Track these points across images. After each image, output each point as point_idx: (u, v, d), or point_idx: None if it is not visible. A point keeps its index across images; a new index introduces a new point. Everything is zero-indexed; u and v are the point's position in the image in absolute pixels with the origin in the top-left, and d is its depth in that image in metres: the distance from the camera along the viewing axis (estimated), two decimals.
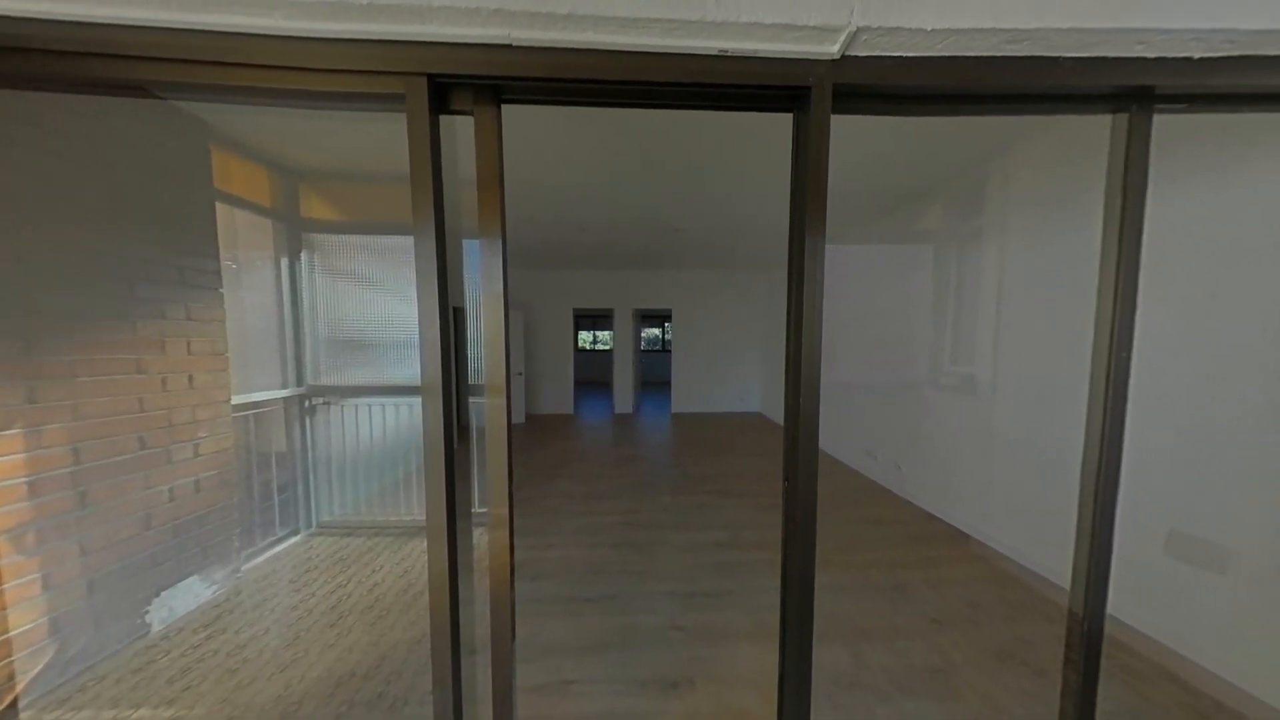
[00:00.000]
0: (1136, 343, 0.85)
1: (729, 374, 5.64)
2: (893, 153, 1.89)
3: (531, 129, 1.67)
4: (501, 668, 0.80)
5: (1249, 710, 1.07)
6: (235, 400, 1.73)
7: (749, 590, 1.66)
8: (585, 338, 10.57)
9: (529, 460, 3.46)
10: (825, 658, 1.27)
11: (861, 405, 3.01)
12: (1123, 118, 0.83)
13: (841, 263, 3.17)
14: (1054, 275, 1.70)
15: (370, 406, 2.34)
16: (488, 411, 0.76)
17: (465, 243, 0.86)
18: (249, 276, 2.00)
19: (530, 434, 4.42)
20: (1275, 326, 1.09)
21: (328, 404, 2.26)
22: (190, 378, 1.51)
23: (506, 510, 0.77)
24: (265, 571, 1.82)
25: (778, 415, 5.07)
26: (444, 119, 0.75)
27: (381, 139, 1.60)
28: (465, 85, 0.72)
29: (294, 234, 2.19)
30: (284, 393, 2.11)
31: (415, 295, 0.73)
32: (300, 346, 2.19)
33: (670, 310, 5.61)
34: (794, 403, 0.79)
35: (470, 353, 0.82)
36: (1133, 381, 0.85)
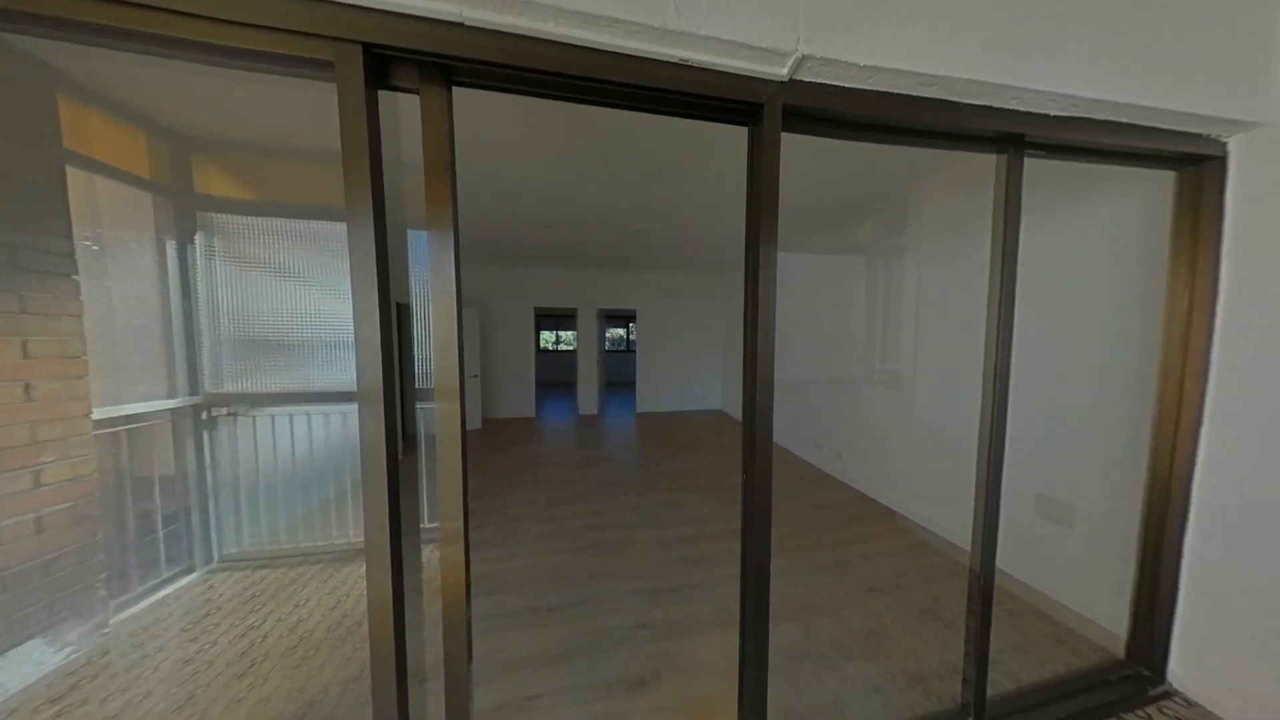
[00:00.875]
0: (1014, 343, 1.03)
1: (691, 373, 5.82)
2: (832, 171, 2.09)
3: (490, 117, 1.57)
4: (456, 693, 0.74)
5: (1088, 631, 1.36)
6: (100, 414, 1.39)
7: (713, 581, 1.73)
8: (547, 338, 10.22)
9: (487, 468, 3.26)
10: (780, 636, 1.37)
11: (810, 401, 3.29)
12: (1004, 158, 1.01)
13: (793, 269, 3.44)
14: (958, 287, 2.02)
15: (293, 417, 2.03)
16: (439, 417, 0.70)
17: (411, 234, 0.79)
18: (120, 261, 1.62)
19: (488, 440, 4.17)
20: (1103, 331, 1.41)
21: (234, 415, 1.91)
22: (26, 387, 1.18)
23: (461, 523, 0.72)
24: (146, 622, 1.49)
25: (737, 412, 5.34)
26: (384, 95, 0.68)
27: (308, 110, 1.40)
28: (409, 60, 0.65)
29: (185, 212, 1.82)
30: (172, 403, 1.75)
31: (350, 290, 0.65)
32: (195, 347, 1.82)
33: (635, 311, 5.64)
34: (750, 400, 0.84)
35: (418, 354, 0.75)
36: (1011, 375, 1.04)
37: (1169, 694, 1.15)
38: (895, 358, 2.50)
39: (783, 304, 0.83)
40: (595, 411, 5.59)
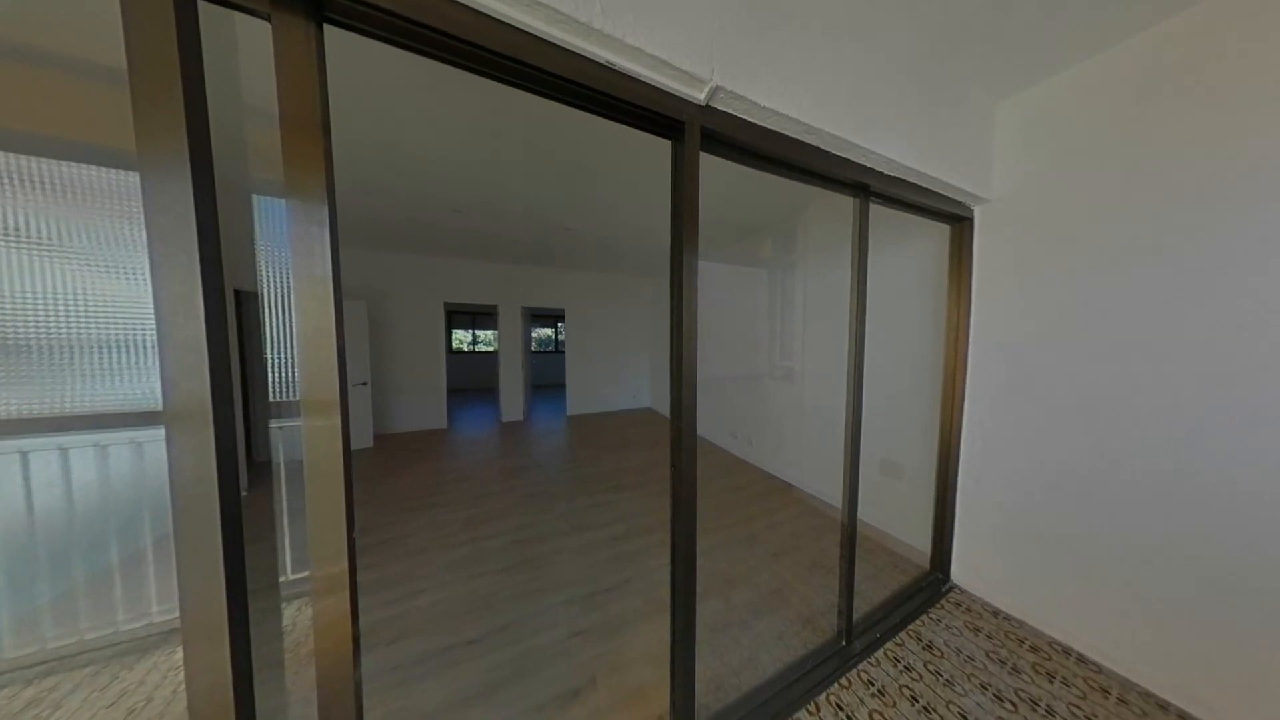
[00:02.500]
0: (866, 344, 1.34)
1: (622, 373, 5.91)
2: (741, 193, 2.39)
3: (392, 80, 1.32)
4: None
5: (912, 555, 1.86)
6: None
7: (645, 573, 1.79)
8: (462, 338, 9.08)
9: (382, 494, 2.71)
10: (705, 611, 1.50)
11: (726, 395, 3.69)
12: (857, 201, 1.30)
13: (712, 277, 3.80)
14: (833, 298, 2.53)
15: (27, 454, 1.34)
16: (308, 437, 0.55)
17: (260, 201, 0.61)
18: None
19: (383, 459, 3.48)
20: (916, 334, 1.94)
21: None
22: None
23: (345, 566, 0.58)
24: None
25: (666, 409, 5.63)
26: (212, 9, 0.51)
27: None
28: None
29: None
30: None
31: (150, 269, 0.46)
32: None
33: (564, 310, 5.44)
34: (677, 397, 0.90)
35: (272, 356, 0.58)
36: (865, 369, 1.35)
37: (953, 589, 1.66)
38: (789, 356, 2.99)
39: (704, 308, 0.91)
40: (521, 417, 5.19)
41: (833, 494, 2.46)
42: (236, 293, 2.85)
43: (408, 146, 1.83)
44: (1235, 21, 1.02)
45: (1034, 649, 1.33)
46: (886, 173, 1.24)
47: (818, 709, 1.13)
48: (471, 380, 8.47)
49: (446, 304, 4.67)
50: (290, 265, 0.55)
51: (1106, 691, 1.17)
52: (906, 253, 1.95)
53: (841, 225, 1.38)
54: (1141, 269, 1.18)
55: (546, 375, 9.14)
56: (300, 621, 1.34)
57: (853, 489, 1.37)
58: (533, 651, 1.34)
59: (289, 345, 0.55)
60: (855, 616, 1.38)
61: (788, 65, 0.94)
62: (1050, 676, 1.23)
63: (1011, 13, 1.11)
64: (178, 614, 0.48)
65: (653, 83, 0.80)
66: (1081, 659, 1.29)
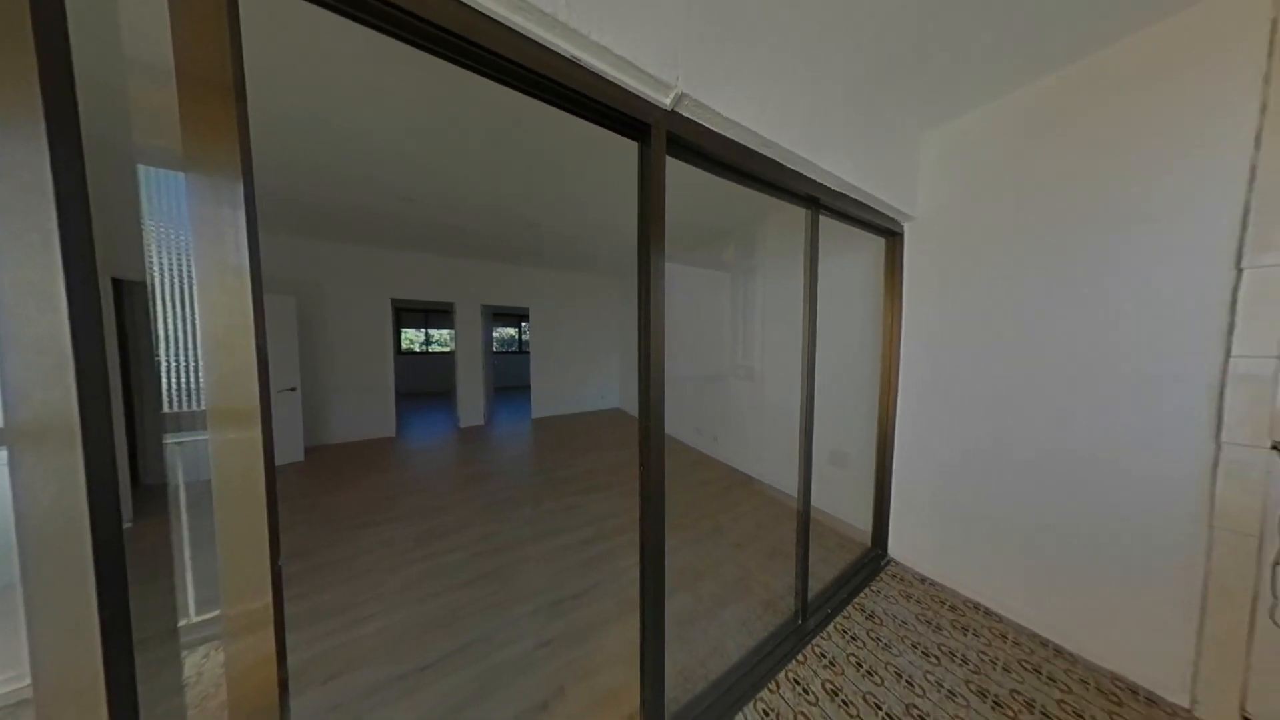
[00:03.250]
0: (818, 344, 1.46)
1: (590, 373, 5.82)
2: (705, 198, 2.48)
3: (328, 48, 1.17)
4: None
5: (856, 535, 2.06)
6: None
7: (615, 574, 1.78)
8: (413, 337, 8.36)
9: (317, 514, 2.41)
10: (674, 606, 1.53)
11: (693, 393, 3.79)
12: (809, 213, 1.41)
13: (678, 279, 3.88)
14: (788, 302, 2.71)
15: None
16: (219, 454, 0.47)
17: (149, 173, 0.51)
18: None
19: (317, 474, 3.09)
20: (859, 335, 2.14)
21: None
22: None
23: (269, 599, 0.51)
24: None
25: (635, 409, 5.65)
26: None
27: None
28: None
29: None
30: None
31: None
32: None
33: (528, 309, 5.23)
34: (645, 396, 0.90)
35: (168, 359, 0.49)
36: (816, 367, 1.46)
37: (890, 562, 1.86)
38: (750, 355, 3.15)
39: (671, 309, 0.93)
40: (481, 421, 4.90)
41: (789, 484, 2.63)
42: (116, 283, 2.35)
43: (344, 124, 1.64)
44: (1089, 84, 1.27)
45: (953, 608, 1.54)
46: (833, 188, 1.36)
47: (778, 686, 1.20)
48: (425, 383, 7.83)
49: (395, 301, 4.27)
50: (192, 251, 0.46)
51: (1004, 637, 1.39)
52: (852, 262, 2.15)
53: (795, 234, 1.49)
54: (1028, 281, 1.42)
55: (510, 377, 8.74)
56: (209, 670, 1.14)
57: (806, 479, 1.48)
58: (497, 668, 1.27)
59: (190, 346, 0.47)
60: (809, 596, 1.49)
61: (747, 81, 0.99)
62: (964, 630, 1.42)
63: (930, 57, 1.28)
64: (29, 681, 0.39)
65: (620, 83, 0.80)
66: (988, 612, 1.51)
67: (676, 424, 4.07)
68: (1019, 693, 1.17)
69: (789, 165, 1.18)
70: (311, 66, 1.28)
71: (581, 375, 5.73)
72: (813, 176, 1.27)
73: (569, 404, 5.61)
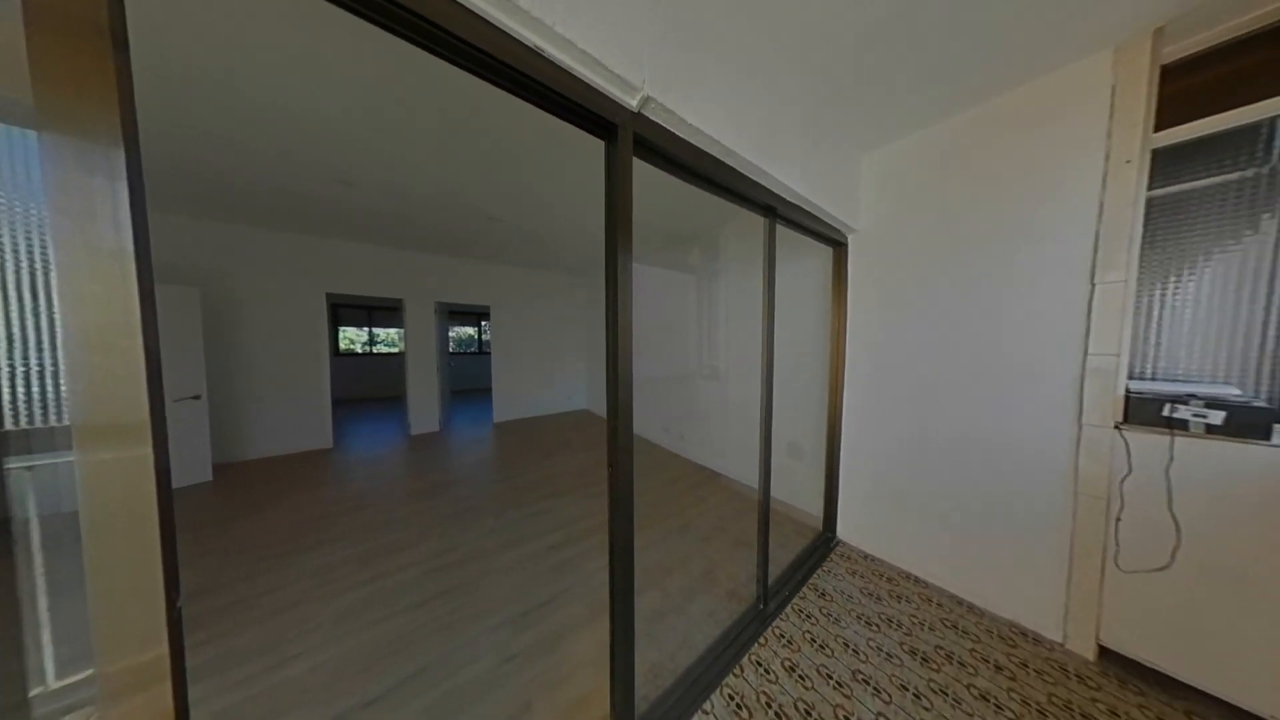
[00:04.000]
0: (775, 345, 1.56)
1: (556, 375, 5.67)
2: (673, 201, 2.53)
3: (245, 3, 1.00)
4: None
5: (810, 521, 2.23)
6: None
7: (585, 577, 1.75)
8: (355, 336, 7.55)
9: (230, 541, 2.07)
10: (644, 604, 1.54)
11: (661, 393, 3.85)
12: (767, 221, 1.50)
13: (646, 280, 3.92)
14: (749, 304, 2.85)
15: None
16: (90, 478, 0.39)
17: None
18: None
19: (230, 496, 2.66)
20: (811, 335, 2.32)
21: None
22: None
23: (164, 649, 0.43)
24: None
25: (603, 410, 5.59)
26: None
27: None
28: None
29: None
30: None
31: None
32: None
33: (488, 307, 4.96)
34: (613, 397, 0.90)
35: (11, 364, 0.39)
36: (775, 366, 1.56)
37: (839, 543, 2.04)
38: (715, 356, 3.28)
39: (639, 310, 0.94)
40: (436, 428, 4.55)
41: (752, 478, 2.79)
42: None
43: (259, 94, 1.44)
44: (989, 124, 1.50)
45: (889, 580, 1.73)
46: (788, 199, 1.46)
47: (742, 670, 1.26)
48: (369, 387, 7.11)
49: (332, 296, 3.82)
50: (49, 229, 0.38)
51: (930, 600, 1.59)
52: (806, 269, 2.32)
53: (755, 240, 1.58)
54: (944, 291, 1.64)
55: (469, 379, 8.23)
56: None
57: (766, 472, 1.57)
58: (456, 692, 1.19)
59: (44, 346, 0.38)
60: (770, 582, 1.58)
61: (710, 91, 1.03)
62: (899, 598, 1.61)
63: (867, 88, 1.42)
64: None
65: (586, 79, 0.79)
66: (918, 580, 1.72)
67: (645, 424, 4.10)
68: (941, 647, 1.35)
69: (749, 175, 1.25)
70: (226, 21, 1.10)
71: (547, 376, 5.56)
72: (770, 187, 1.35)
73: (534, 406, 5.41)
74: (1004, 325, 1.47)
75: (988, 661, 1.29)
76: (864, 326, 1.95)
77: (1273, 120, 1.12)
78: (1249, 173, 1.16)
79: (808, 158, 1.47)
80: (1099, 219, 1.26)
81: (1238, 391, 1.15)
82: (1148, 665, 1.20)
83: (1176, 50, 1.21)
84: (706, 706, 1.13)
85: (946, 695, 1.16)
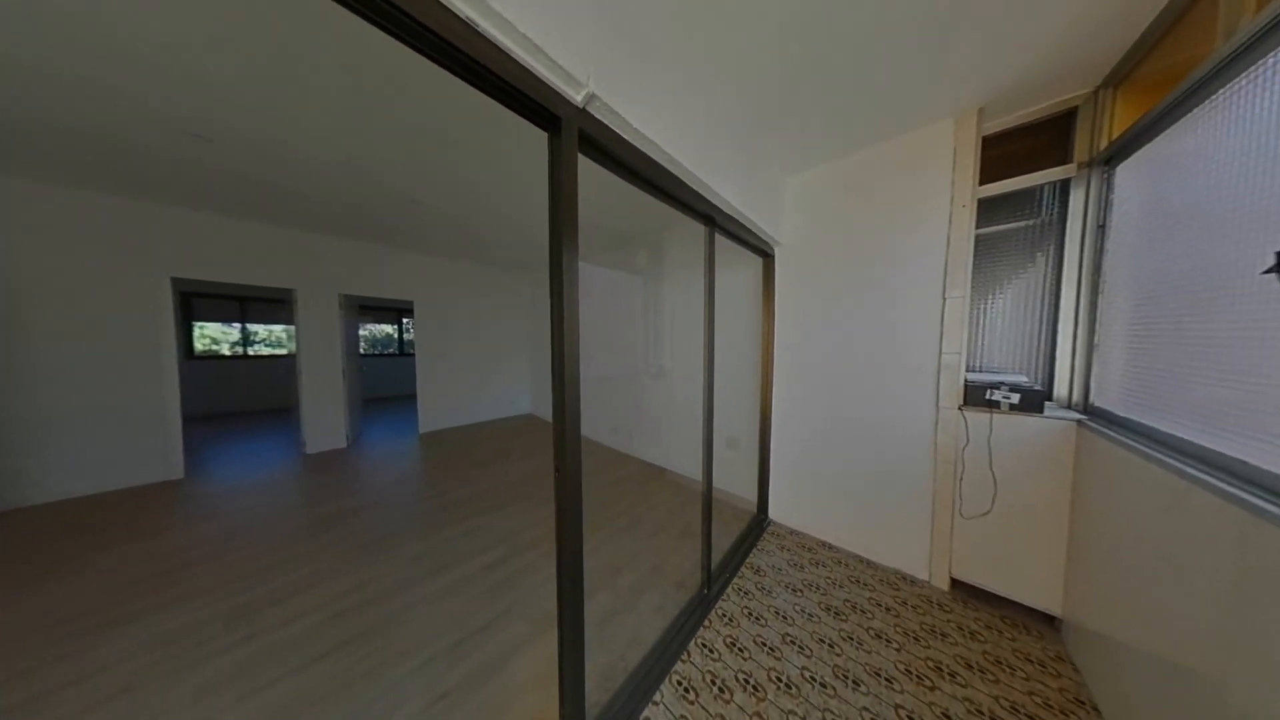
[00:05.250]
0: (716, 345, 1.67)
1: (495, 377, 5.26)
2: (618, 202, 2.55)
3: None
4: None
5: (747, 506, 2.44)
6: None
7: (530, 591, 1.65)
8: (218, 335, 5.99)
9: (22, 616, 1.46)
10: (594, 607, 1.52)
11: (608, 393, 3.84)
12: (708, 230, 1.60)
13: (594, 279, 3.86)
14: (693, 306, 3.01)
15: None
16: None
17: None
18: None
19: (8, 557, 1.88)
20: (743, 339, 2.55)
21: None
22: None
23: None
24: None
25: (548, 413, 5.35)
26: None
27: None
28: None
29: None
30: None
31: None
32: None
33: (411, 302, 4.37)
34: (559, 399, 0.87)
35: None
36: (715, 365, 1.67)
37: (770, 523, 2.28)
38: (661, 355, 3.39)
39: (586, 309, 0.92)
40: (342, 444, 3.85)
41: (696, 471, 2.94)
42: None
43: (70, 3, 1.06)
44: (878, 163, 1.82)
45: (809, 549, 1.99)
46: (725, 210, 1.58)
47: (689, 655, 1.32)
48: (244, 398, 5.72)
49: (181, 282, 2.96)
50: None
51: (840, 563, 1.87)
52: (742, 276, 2.54)
53: (697, 246, 1.67)
54: (847, 299, 1.95)
55: (386, 384, 7.16)
56: None
57: (708, 464, 1.68)
58: None
59: None
60: (713, 567, 1.69)
61: (655, 99, 1.06)
62: (817, 564, 1.86)
63: (789, 119, 1.62)
64: None
65: (529, 66, 0.75)
66: (830, 547, 2.01)
67: (594, 425, 4.04)
68: (849, 600, 1.60)
69: (690, 185, 1.32)
70: None
71: (485, 379, 5.12)
72: (709, 198, 1.45)
73: (469, 413, 4.93)
74: (888, 330, 1.81)
75: (880, 605, 1.57)
76: (787, 329, 2.21)
77: (1042, 186, 1.59)
78: (1031, 221, 1.63)
79: (742, 175, 1.61)
80: (947, 248, 1.62)
81: (1026, 379, 1.60)
82: (981, 588, 1.59)
83: (991, 126, 1.63)
84: (656, 697, 1.16)
85: (852, 640, 1.38)
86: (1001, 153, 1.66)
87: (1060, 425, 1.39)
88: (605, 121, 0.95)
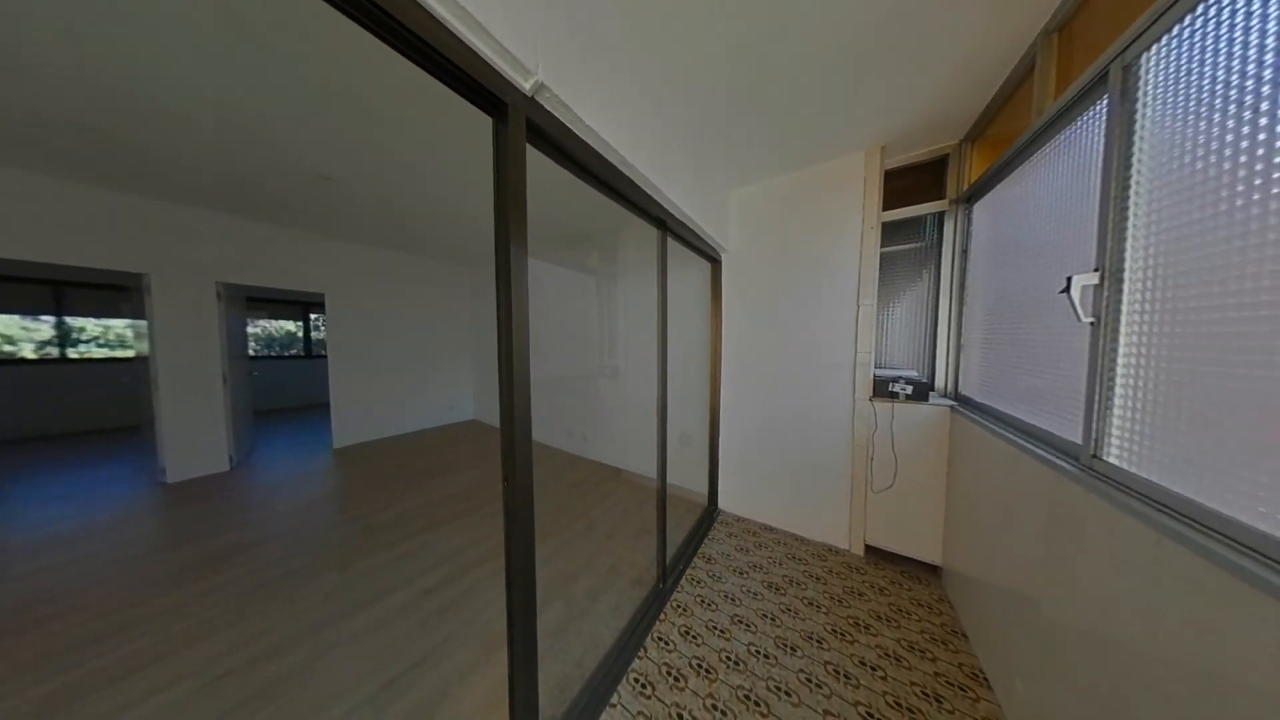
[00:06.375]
0: (670, 345, 1.72)
1: (433, 381, 4.74)
2: (574, 198, 2.48)
3: None
4: None
5: (699, 499, 2.56)
6: None
7: (476, 613, 1.52)
8: (18, 332, 4.46)
9: None
10: (548, 619, 1.45)
11: (562, 395, 3.71)
12: (660, 233, 1.64)
13: (546, 277, 3.69)
14: (647, 306, 3.06)
15: None
16: None
17: None
18: None
19: None
20: (694, 339, 2.67)
21: None
22: None
23: None
24: None
25: (495, 418, 4.99)
26: None
27: None
28: None
29: None
30: None
31: None
32: None
33: (322, 295, 3.73)
34: (508, 402, 0.82)
35: None
36: (669, 364, 1.72)
37: (720, 513, 2.42)
38: (616, 355, 3.39)
39: (537, 308, 0.88)
40: (224, 466, 3.14)
41: (652, 469, 3.01)
42: None
43: None
44: (809, 184, 2.05)
45: (753, 534, 2.16)
46: (677, 216, 1.64)
47: (646, 651, 1.34)
48: (63, 416, 4.36)
49: None
50: None
51: (779, 542, 2.07)
52: (693, 279, 2.65)
53: (650, 248, 1.70)
54: (782, 304, 2.16)
55: (290, 392, 6.03)
56: None
57: (663, 461, 1.72)
58: None
59: None
60: (668, 561, 1.74)
61: (608, 99, 1.05)
62: (760, 546, 2.03)
63: (734, 135, 1.74)
64: None
65: (471, 44, 0.69)
66: (770, 529, 2.21)
67: (546, 429, 3.88)
68: (786, 575, 1.77)
69: (644, 189, 1.34)
70: None
71: (420, 383, 4.59)
72: (661, 202, 1.48)
73: (400, 422, 4.38)
74: (815, 332, 2.05)
75: (812, 576, 1.77)
76: (733, 330, 2.37)
77: (926, 215, 1.94)
78: (919, 244, 1.98)
79: (692, 183, 1.69)
80: (860, 262, 1.89)
81: (917, 374, 1.94)
82: (887, 550, 1.89)
83: (891, 162, 1.95)
84: (614, 699, 1.16)
85: (790, 611, 1.54)
86: (899, 185, 1.99)
87: (940, 411, 1.71)
88: (556, 114, 0.92)
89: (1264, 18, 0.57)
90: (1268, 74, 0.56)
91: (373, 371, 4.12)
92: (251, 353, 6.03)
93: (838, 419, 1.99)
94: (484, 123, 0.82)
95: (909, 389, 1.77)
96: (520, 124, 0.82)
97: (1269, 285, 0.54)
